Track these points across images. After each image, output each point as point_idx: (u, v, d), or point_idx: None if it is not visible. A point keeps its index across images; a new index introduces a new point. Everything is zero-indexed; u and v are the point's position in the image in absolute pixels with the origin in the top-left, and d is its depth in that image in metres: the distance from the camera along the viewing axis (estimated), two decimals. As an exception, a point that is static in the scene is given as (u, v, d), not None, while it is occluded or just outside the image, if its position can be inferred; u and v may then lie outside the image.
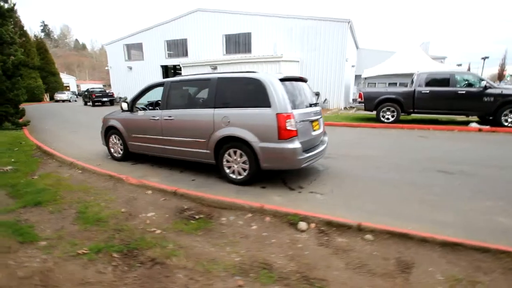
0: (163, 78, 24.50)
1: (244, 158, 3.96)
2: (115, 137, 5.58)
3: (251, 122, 3.83)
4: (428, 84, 9.20)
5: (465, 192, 3.66)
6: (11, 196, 3.59)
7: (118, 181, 4.17)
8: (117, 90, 26.04)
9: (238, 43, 20.77)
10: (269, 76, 3.88)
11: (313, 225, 2.74)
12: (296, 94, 4.08)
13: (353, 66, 23.13)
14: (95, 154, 6.13)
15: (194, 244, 2.46)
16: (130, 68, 25.56)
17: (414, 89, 9.31)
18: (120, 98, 25.47)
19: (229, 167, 4.16)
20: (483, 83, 8.43)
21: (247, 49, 20.36)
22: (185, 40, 22.60)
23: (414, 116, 11.35)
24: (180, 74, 30.12)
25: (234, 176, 4.13)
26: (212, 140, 4.15)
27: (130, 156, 5.54)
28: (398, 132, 8.50)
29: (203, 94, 4.44)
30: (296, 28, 18.43)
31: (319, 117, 4.43)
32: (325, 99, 18.20)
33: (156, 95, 5.58)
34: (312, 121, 4.17)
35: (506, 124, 8.23)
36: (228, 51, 21.10)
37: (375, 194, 3.64)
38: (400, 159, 5.31)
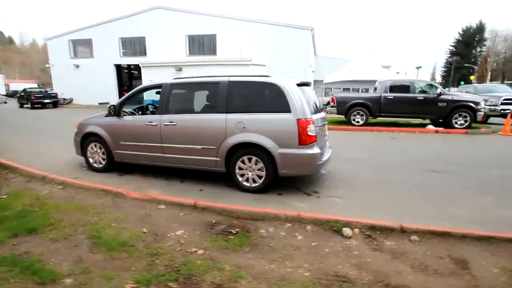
0: (117, 77, 22.64)
1: (260, 165, 3.82)
2: (95, 146, 4.89)
3: (269, 128, 3.71)
4: (391, 90, 10.15)
5: (460, 189, 4.08)
6: (-16, 224, 2.86)
7: (117, 196, 3.64)
8: (60, 90, 23.09)
9: (202, 44, 20.25)
10: (286, 81, 3.82)
11: (356, 230, 2.75)
12: (308, 99, 4.09)
13: (313, 71, 24.37)
14: (65, 165, 5.29)
15: (250, 263, 2.26)
16: (77, 66, 22.98)
17: (380, 95, 10.18)
18: (64, 99, 22.69)
19: (242, 175, 3.96)
20: (438, 90, 9.63)
21: (212, 51, 19.98)
22: (143, 38, 21.21)
23: (378, 119, 12.39)
24: (134, 74, 28.16)
25: (248, 184, 3.95)
26: (224, 147, 3.91)
27: (114, 166, 4.91)
28: (371, 135, 9.17)
29: (211, 98, 4.16)
30: (261, 33, 18.71)
31: (326, 122, 4.52)
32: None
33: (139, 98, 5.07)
34: (322, 126, 4.23)
35: (456, 126, 9.51)
36: (192, 52, 20.42)
37: (388, 196, 3.83)
38: (390, 161, 5.71)
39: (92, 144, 4.91)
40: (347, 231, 2.72)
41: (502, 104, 10.91)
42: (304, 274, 2.10)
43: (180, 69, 17.20)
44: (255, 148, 3.80)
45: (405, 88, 10.08)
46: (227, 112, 3.90)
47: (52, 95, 20.29)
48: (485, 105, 9.67)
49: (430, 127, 9.89)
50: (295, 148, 3.64)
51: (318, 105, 4.49)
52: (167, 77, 17.65)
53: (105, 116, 4.77)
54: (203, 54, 20.15)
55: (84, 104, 22.94)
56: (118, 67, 22.99)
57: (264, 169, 3.81)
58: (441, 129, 9.53)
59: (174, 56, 19.77)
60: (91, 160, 5.00)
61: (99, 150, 4.88)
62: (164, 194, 3.78)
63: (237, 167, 3.95)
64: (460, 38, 53.58)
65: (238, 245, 2.52)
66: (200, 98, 4.30)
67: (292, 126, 3.62)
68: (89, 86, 22.88)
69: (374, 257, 2.34)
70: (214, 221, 2.99)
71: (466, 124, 9.42)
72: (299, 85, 3.95)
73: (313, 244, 2.56)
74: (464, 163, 5.45)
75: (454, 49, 53.18)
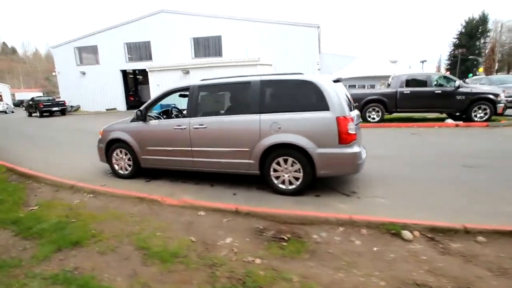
0: (124, 83, 22.67)
1: (297, 166, 3.67)
2: (120, 152, 4.78)
3: (306, 128, 3.56)
4: (407, 85, 9.94)
5: (502, 184, 3.89)
6: (23, 237, 2.75)
7: (152, 203, 3.52)
8: (67, 98, 23.16)
9: (207, 46, 20.17)
10: (323, 78, 3.68)
11: (416, 233, 2.59)
12: (343, 97, 3.94)
13: (319, 69, 24.18)
14: (88, 173, 5.19)
15: (315, 271, 2.12)
16: (83, 73, 23.02)
17: (396, 90, 9.98)
18: (71, 107, 22.75)
19: (277, 177, 3.82)
20: (457, 83, 9.41)
21: (218, 53, 19.89)
22: (148, 42, 21.19)
23: (392, 115, 12.18)
24: (139, 79, 28.19)
25: (283, 187, 3.81)
26: (258, 149, 3.77)
27: (139, 172, 4.80)
28: (389, 131, 8.98)
29: (242, 98, 4.02)
30: (267, 32, 18.59)
31: (360, 120, 4.36)
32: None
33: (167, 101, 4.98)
34: (358, 124, 4.07)
35: (476, 119, 9.28)
36: (198, 54, 20.35)
37: (430, 193, 3.66)
38: (419, 157, 5.53)
39: (118, 151, 4.80)
40: (407, 234, 2.57)
41: (518, 95, 10.68)
42: (380, 283, 1.95)
43: (187, 72, 17.13)
44: (292, 149, 3.66)
45: (421, 82, 9.87)
46: (260, 113, 3.77)
47: (60, 103, 20.32)
48: (505, 96, 9.43)
49: (449, 121, 9.67)
50: (335, 148, 3.49)
51: (352, 102, 4.34)
52: (175, 80, 17.70)
53: (131, 122, 4.66)
54: (208, 56, 20.07)
55: (91, 111, 22.99)
56: (124, 73, 23.00)
57: (301, 170, 3.66)
58: (461, 122, 9.30)
59: (179, 59, 19.70)
60: (116, 167, 4.89)
61: (124, 157, 4.78)
62: (198, 199, 3.66)
63: (272, 169, 3.81)
64: (463, 30, 52.97)
65: (295, 253, 2.38)
66: (230, 99, 4.17)
67: (332, 124, 3.47)
68: (96, 92, 22.93)
69: (446, 262, 2.18)
70: (261, 227, 2.85)
71: (486, 116, 9.18)
72: (333, 81, 3.81)
73: (375, 249, 2.41)
74: (495, 157, 5.25)
75: (457, 42, 52.59)
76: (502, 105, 9.14)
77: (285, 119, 3.64)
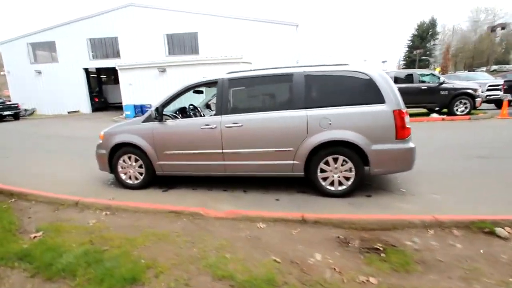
0: (87, 82, 20.69)
1: (348, 165, 3.37)
2: (129, 158, 4.07)
3: (360, 123, 3.28)
4: (396, 81, 10.26)
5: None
6: (47, 279, 2.05)
7: (194, 218, 2.96)
8: (19, 100, 20.40)
9: (183, 43, 19.15)
10: (375, 69, 3.41)
11: (508, 229, 2.44)
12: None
13: (295, 68, 24.38)
14: (83, 185, 4.38)
15: (445, 285, 1.82)
16: (39, 73, 20.50)
17: (386, 86, 10.25)
18: (26, 110, 20.13)
19: (325, 178, 3.49)
20: (441, 79, 9.93)
21: (194, 50, 18.99)
22: (115, 38, 19.51)
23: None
24: (103, 78, 25.97)
25: (332, 188, 3.49)
26: (304, 148, 3.40)
27: (152, 181, 4.14)
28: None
29: (283, 92, 3.61)
30: (245, 30, 18.18)
31: None
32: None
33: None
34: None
35: (457, 113, 9.88)
36: (172, 51, 19.22)
37: (472, 186, 3.61)
38: (431, 150, 5.54)
39: (125, 157, 4.08)
40: (502, 231, 2.40)
41: (488, 90, 11.66)
42: (529, 293, 1.72)
43: (164, 70, 16.00)
44: (343, 146, 3.35)
45: (408, 78, 10.28)
46: (306, 108, 3.40)
47: (13, 106, 17.77)
48: (481, 91, 10.19)
49: (435, 115, 10.19)
50: (392, 143, 3.26)
51: None
52: (150, 79, 16.47)
53: (143, 122, 3.98)
54: (184, 53, 19.05)
55: (50, 114, 20.54)
56: (87, 71, 20.92)
57: (353, 169, 3.37)
58: (445, 116, 9.85)
59: (152, 57, 18.40)
60: (123, 176, 4.16)
61: (134, 163, 4.08)
62: (239, 208, 3.19)
63: (319, 170, 3.47)
64: (416, 33, 57.80)
65: (404, 265, 2.06)
66: (269, 94, 3.72)
67: (388, 118, 3.22)
68: (55, 93, 20.52)
69: None
70: (341, 237, 2.49)
71: (467, 110, 9.82)
72: (379, 73, 3.58)
73: (481, 251, 2.19)
74: (501, 147, 5.49)
75: (411, 43, 57.17)
76: (480, 99, 9.86)
77: (336, 114, 3.32)
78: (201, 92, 4.78)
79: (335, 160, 3.41)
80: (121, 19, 19.02)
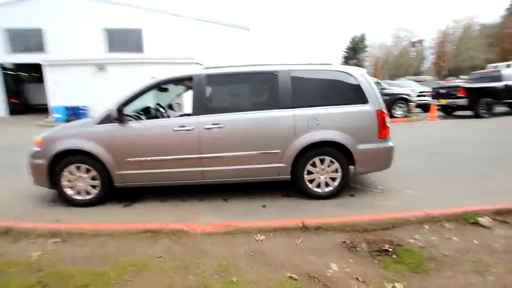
0: (3, 80, 17.27)
1: (335, 165, 3.31)
2: (78, 169, 3.31)
3: (346, 122, 3.25)
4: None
5: (487, 166, 4.58)
6: None
7: (177, 236, 2.47)
8: None
9: (125, 40, 17.41)
10: (357, 69, 3.43)
11: (487, 218, 2.64)
12: None
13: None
14: (14, 206, 3.44)
15: (469, 281, 1.80)
16: None
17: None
18: None
19: (311, 180, 3.36)
20: (382, 86, 11.02)
21: (138, 48, 17.44)
22: (40, 30, 16.68)
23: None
24: (21, 76, 22.08)
25: (319, 190, 3.38)
26: (292, 149, 3.22)
27: (111, 194, 3.45)
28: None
29: (267, 91, 3.36)
30: (195, 30, 17.49)
31: None
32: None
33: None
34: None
35: (396, 115, 11.09)
36: (113, 48, 17.29)
37: (441, 180, 3.95)
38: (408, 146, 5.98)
39: (73, 167, 3.30)
40: (484, 221, 2.57)
41: (418, 96, 13.44)
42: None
43: (102, 68, 14.24)
44: (330, 147, 3.28)
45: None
46: (293, 107, 3.23)
47: None
48: (415, 97, 11.67)
49: (378, 117, 11.25)
50: (375, 143, 3.31)
51: None
52: (86, 78, 14.55)
53: (98, 124, 3.28)
54: (126, 51, 17.27)
55: None
56: (3, 68, 17.36)
57: (339, 170, 3.32)
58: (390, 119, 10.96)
59: (88, 53, 16.24)
60: (69, 192, 3.36)
61: (85, 175, 3.33)
62: (225, 219, 2.83)
63: (305, 172, 3.33)
64: (350, 45, 64.46)
65: (419, 265, 2.01)
66: (252, 92, 3.43)
67: (372, 118, 3.27)
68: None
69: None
70: (347, 241, 2.35)
71: (404, 113, 11.10)
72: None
73: (476, 242, 2.30)
74: (453, 145, 6.20)
75: (347, 54, 63.49)
76: (413, 104, 11.27)
77: (324, 114, 3.23)
78: (167, 90, 4.23)
79: (322, 161, 3.31)
80: (47, 9, 16.32)
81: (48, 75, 14.35)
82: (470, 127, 8.84)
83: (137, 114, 3.61)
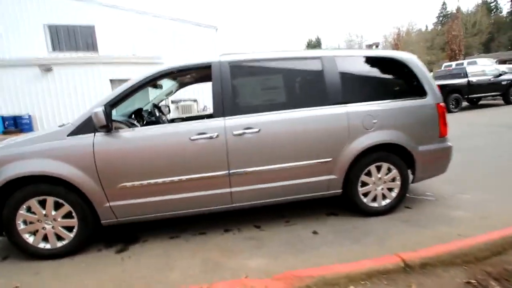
0: None
1: (393, 173, 2.69)
2: (41, 204, 2.20)
3: (405, 119, 2.65)
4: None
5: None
6: None
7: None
8: None
9: (74, 38, 15.19)
10: (410, 54, 2.85)
11: None
12: None
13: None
14: None
15: None
16: None
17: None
18: None
19: (366, 193, 2.70)
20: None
21: (91, 47, 15.33)
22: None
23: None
24: None
25: (376, 204, 2.73)
26: (346, 156, 2.52)
27: (93, 234, 2.39)
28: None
29: (310, 83, 2.59)
30: (158, 28, 16.00)
31: None
32: (205, 106, 17.15)
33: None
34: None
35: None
36: (58, 47, 14.94)
37: (483, 177, 3.58)
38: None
39: (33, 202, 2.18)
40: None
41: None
42: None
43: (49, 69, 12.05)
44: (388, 151, 2.65)
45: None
46: (345, 103, 2.53)
47: None
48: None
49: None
50: (436, 143, 2.76)
51: None
52: (28, 81, 12.32)
53: (70, 135, 2.20)
54: (76, 49, 15.09)
55: None
56: None
57: (398, 178, 2.71)
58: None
59: (27, 52, 13.77)
60: (30, 238, 2.23)
61: (53, 213, 2.22)
62: (277, 259, 2.03)
63: (360, 183, 2.65)
64: (306, 49, 67.03)
65: None
66: (291, 84, 2.60)
67: (433, 113, 2.71)
68: None
69: None
70: (473, 280, 1.70)
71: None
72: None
73: None
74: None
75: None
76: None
77: (380, 110, 2.58)
78: (161, 86, 3.24)
79: (379, 168, 2.67)
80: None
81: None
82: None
83: (129, 119, 2.59)
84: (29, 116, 12.06)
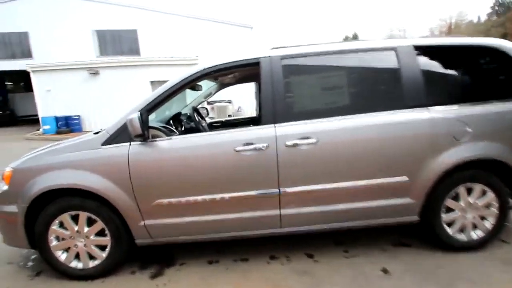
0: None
1: (489, 196, 2.07)
2: (74, 219, 2.00)
3: (505, 128, 2.02)
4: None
5: None
6: None
7: None
8: None
9: (119, 42, 16.06)
10: (507, 42, 2.21)
11: None
12: None
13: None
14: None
15: None
16: None
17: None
18: None
19: (451, 222, 2.11)
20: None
21: (134, 51, 16.07)
22: (26, 34, 15.25)
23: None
24: (8, 84, 20.58)
25: (464, 237, 2.12)
26: (428, 174, 1.97)
27: (128, 255, 2.15)
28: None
29: (379, 81, 2.09)
30: (195, 30, 16.24)
31: None
32: (239, 107, 17.04)
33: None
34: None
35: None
36: (105, 52, 15.90)
37: None
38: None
39: (66, 217, 1.99)
40: None
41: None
42: None
43: (96, 73, 12.82)
44: (482, 169, 2.04)
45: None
46: (425, 106, 1.98)
47: None
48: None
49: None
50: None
51: None
52: (77, 84, 13.13)
53: (104, 145, 1.98)
54: (121, 54, 15.91)
55: None
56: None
57: (496, 203, 2.08)
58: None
59: (77, 57, 14.77)
60: (62, 256, 2.05)
61: (86, 230, 2.01)
62: None
63: (443, 208, 2.08)
64: (345, 46, 64.21)
65: None
66: (356, 83, 2.13)
67: (541, 120, 2.05)
68: None
69: None
70: None
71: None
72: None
73: None
74: None
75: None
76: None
77: (477, 115, 1.99)
78: (200, 87, 2.97)
79: (469, 191, 2.07)
80: (31, 11, 14.87)
81: (36, 81, 12.91)
82: None
83: (167, 126, 2.33)
84: (79, 116, 12.92)
